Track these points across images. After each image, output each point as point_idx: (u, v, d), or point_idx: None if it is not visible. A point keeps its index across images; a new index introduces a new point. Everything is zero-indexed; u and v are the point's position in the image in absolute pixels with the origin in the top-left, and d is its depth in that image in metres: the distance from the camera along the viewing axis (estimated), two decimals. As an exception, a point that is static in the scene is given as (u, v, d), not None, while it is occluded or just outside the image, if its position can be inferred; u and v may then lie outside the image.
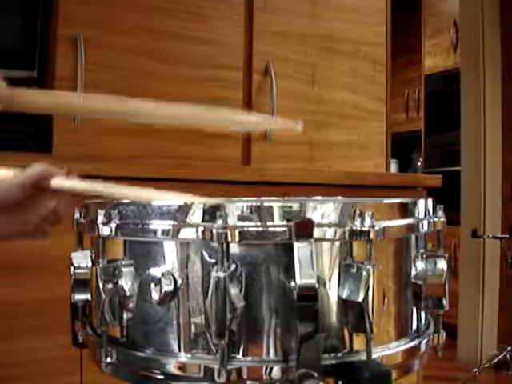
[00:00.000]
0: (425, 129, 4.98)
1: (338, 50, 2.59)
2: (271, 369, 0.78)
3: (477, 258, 3.87)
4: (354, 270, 0.79)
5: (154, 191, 0.90)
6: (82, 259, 0.96)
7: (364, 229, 0.78)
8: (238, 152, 2.37)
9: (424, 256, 0.91)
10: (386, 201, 0.89)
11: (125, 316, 0.84)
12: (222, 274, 0.75)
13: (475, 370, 3.33)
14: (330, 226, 0.79)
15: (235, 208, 0.78)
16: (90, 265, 0.93)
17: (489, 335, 3.86)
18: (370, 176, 2.32)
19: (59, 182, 0.96)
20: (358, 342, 0.80)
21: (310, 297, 0.74)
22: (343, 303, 0.79)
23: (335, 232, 0.79)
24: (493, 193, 3.91)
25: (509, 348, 3.39)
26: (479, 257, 3.86)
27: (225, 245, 0.76)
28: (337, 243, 0.81)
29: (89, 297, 0.92)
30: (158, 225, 0.82)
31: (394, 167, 5.34)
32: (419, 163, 5.27)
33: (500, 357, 3.40)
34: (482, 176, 3.90)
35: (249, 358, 0.79)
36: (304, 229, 0.76)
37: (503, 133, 3.94)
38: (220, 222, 0.76)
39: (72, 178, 0.98)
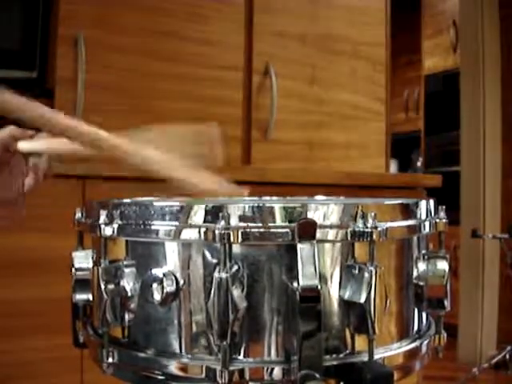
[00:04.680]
0: (424, 129, 4.98)
1: (337, 50, 2.60)
2: (273, 370, 0.78)
3: (477, 258, 3.88)
4: (356, 271, 0.79)
5: (142, 149, 0.90)
6: (83, 259, 0.96)
7: (366, 230, 0.78)
8: (237, 152, 2.37)
9: (426, 257, 0.91)
10: (388, 202, 0.89)
11: (126, 316, 0.84)
12: (224, 275, 0.75)
13: (475, 369, 3.33)
14: (331, 227, 0.79)
15: (237, 209, 0.78)
16: (91, 265, 0.93)
17: (489, 335, 3.86)
18: (369, 176, 2.32)
19: (25, 144, 1.00)
20: (360, 342, 0.80)
21: (313, 298, 0.74)
22: (345, 304, 0.79)
23: (337, 233, 0.79)
24: (493, 193, 3.91)
25: (508, 348, 3.39)
26: (479, 257, 3.87)
27: (227, 245, 0.76)
28: (339, 244, 0.81)
29: (90, 297, 0.92)
30: (159, 225, 0.82)
31: (393, 167, 5.34)
32: (419, 163, 5.27)
33: (500, 356, 3.40)
34: (481, 176, 3.90)
35: (251, 359, 0.79)
36: (307, 230, 0.76)
37: (503, 133, 3.94)
38: (223, 222, 0.76)
39: (38, 139, 1.01)
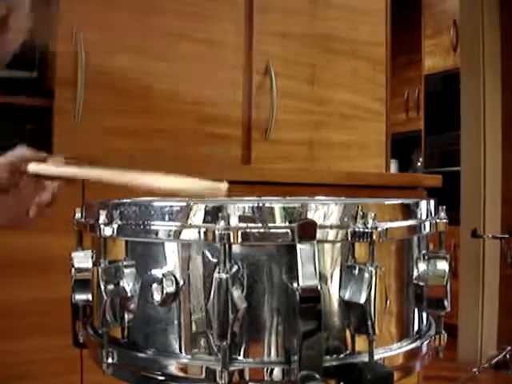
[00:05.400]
0: (425, 129, 4.98)
1: (338, 50, 2.59)
2: (273, 370, 0.78)
3: (477, 258, 3.87)
4: (356, 272, 0.79)
5: (138, 174, 0.91)
6: (82, 259, 0.96)
7: (366, 230, 0.78)
8: (238, 152, 2.37)
9: (426, 257, 0.91)
10: (389, 202, 0.89)
11: (126, 317, 0.84)
12: (224, 275, 0.75)
13: (475, 369, 3.33)
14: (332, 227, 0.79)
15: (237, 209, 0.78)
16: (91, 265, 0.93)
17: (489, 335, 3.86)
18: (369, 176, 2.32)
19: (36, 167, 1.01)
20: (360, 343, 0.80)
21: (313, 298, 0.74)
22: (345, 304, 0.79)
23: (337, 233, 0.79)
24: (493, 193, 3.91)
25: (508, 348, 3.39)
26: (479, 257, 3.86)
27: (227, 246, 0.76)
28: (339, 244, 0.81)
29: (90, 297, 0.92)
30: (159, 226, 0.82)
31: (393, 167, 5.33)
32: (419, 163, 5.27)
33: (500, 357, 3.40)
34: (481, 176, 3.90)
35: (250, 360, 0.79)
36: (307, 230, 0.76)
37: (503, 133, 3.94)
38: (222, 223, 0.76)
39: (51, 164, 1.02)
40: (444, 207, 0.95)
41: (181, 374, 0.81)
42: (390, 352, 0.85)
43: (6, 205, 1.05)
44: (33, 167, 1.02)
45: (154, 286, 0.81)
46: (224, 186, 0.82)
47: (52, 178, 1.03)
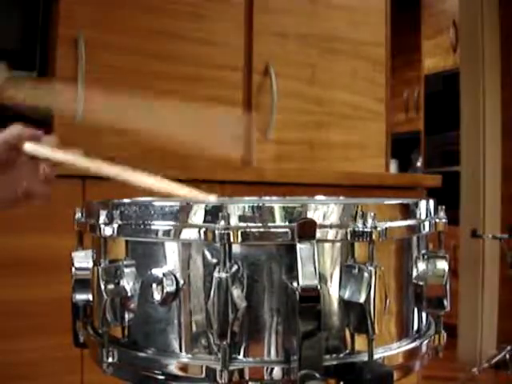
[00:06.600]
0: (424, 129, 4.98)
1: (338, 50, 2.60)
2: (273, 369, 0.78)
3: (476, 258, 3.88)
4: (356, 271, 0.79)
5: (133, 173, 0.91)
6: (83, 259, 0.96)
7: (366, 230, 0.78)
8: (238, 152, 2.37)
9: (425, 257, 0.91)
10: (388, 201, 0.89)
11: (126, 316, 0.84)
12: (224, 275, 0.75)
13: (475, 369, 3.33)
14: (331, 226, 0.79)
15: (237, 209, 0.78)
16: (91, 265, 0.93)
17: (489, 335, 3.86)
18: (369, 176, 2.32)
19: (31, 146, 1.00)
20: (360, 342, 0.81)
21: (313, 298, 0.74)
22: (345, 304, 0.79)
23: (337, 233, 0.79)
24: (492, 193, 3.91)
25: (508, 348, 3.39)
26: (479, 257, 3.87)
27: (227, 245, 0.76)
28: (338, 244, 0.81)
29: (90, 297, 0.92)
30: (159, 225, 0.82)
31: (393, 167, 5.33)
32: (419, 163, 5.27)
33: (500, 356, 3.40)
34: (481, 176, 3.90)
35: (250, 359, 0.79)
36: (306, 230, 0.76)
37: (503, 133, 3.94)
38: (222, 222, 0.76)
39: (48, 145, 1.01)
40: (443, 207, 0.95)
41: (181, 374, 0.81)
42: (389, 351, 0.85)
43: (3, 183, 1.04)
44: (29, 147, 1.01)
45: (154, 285, 0.82)
46: (213, 198, 0.82)
47: (48, 161, 1.03)
